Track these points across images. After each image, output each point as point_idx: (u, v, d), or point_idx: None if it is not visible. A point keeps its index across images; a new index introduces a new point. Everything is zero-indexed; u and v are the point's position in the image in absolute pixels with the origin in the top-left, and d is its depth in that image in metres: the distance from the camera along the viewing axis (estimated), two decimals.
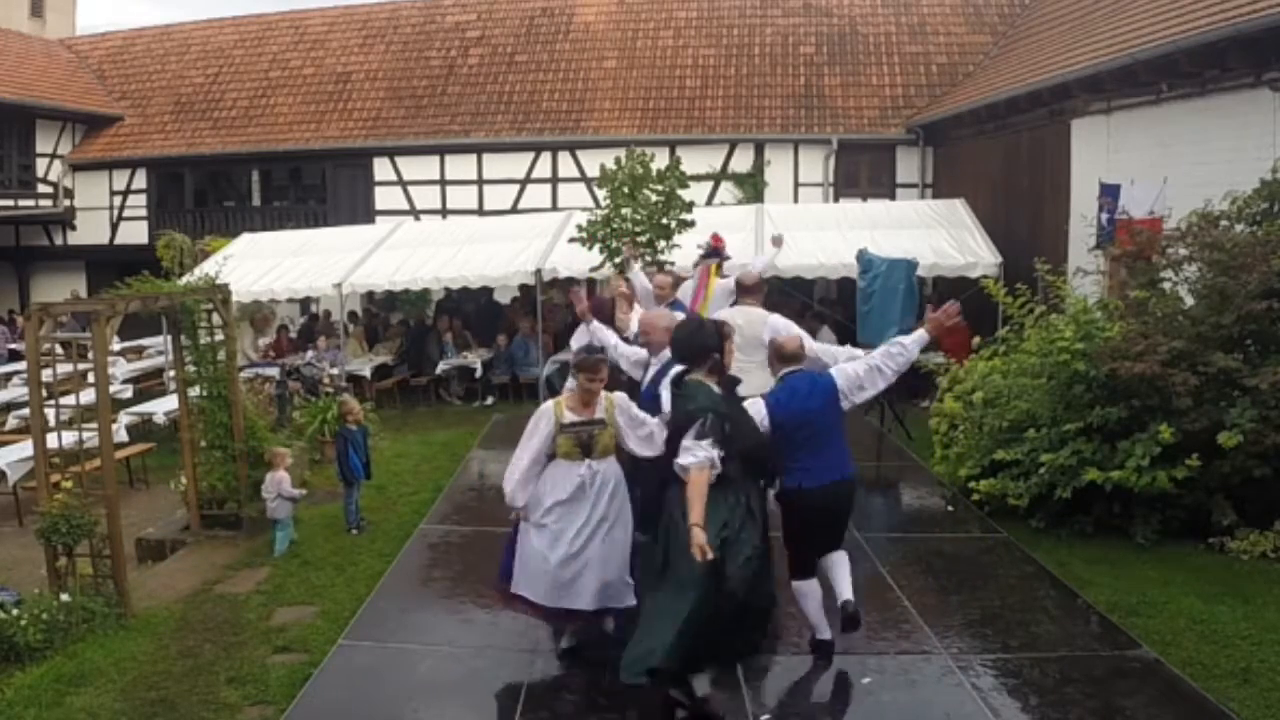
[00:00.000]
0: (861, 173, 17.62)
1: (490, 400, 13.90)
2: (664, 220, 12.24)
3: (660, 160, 13.06)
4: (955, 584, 6.36)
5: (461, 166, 18.19)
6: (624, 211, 12.20)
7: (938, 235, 13.06)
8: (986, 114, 14.04)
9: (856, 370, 5.05)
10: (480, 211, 17.82)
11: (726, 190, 17.37)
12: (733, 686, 4.95)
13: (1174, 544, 6.89)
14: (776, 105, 17.58)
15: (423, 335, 15.15)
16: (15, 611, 5.80)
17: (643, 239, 12.14)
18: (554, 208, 17.18)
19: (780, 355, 5.13)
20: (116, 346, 14.67)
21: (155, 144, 19.48)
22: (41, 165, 19.01)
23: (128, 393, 13.05)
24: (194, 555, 7.55)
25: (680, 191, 12.39)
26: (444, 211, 18.22)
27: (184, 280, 8.64)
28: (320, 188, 19.34)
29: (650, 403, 5.19)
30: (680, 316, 5.84)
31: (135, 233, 19.26)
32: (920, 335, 5.07)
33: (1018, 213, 13.31)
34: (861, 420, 11.11)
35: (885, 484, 9.41)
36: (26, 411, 8.59)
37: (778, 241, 10.04)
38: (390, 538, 7.60)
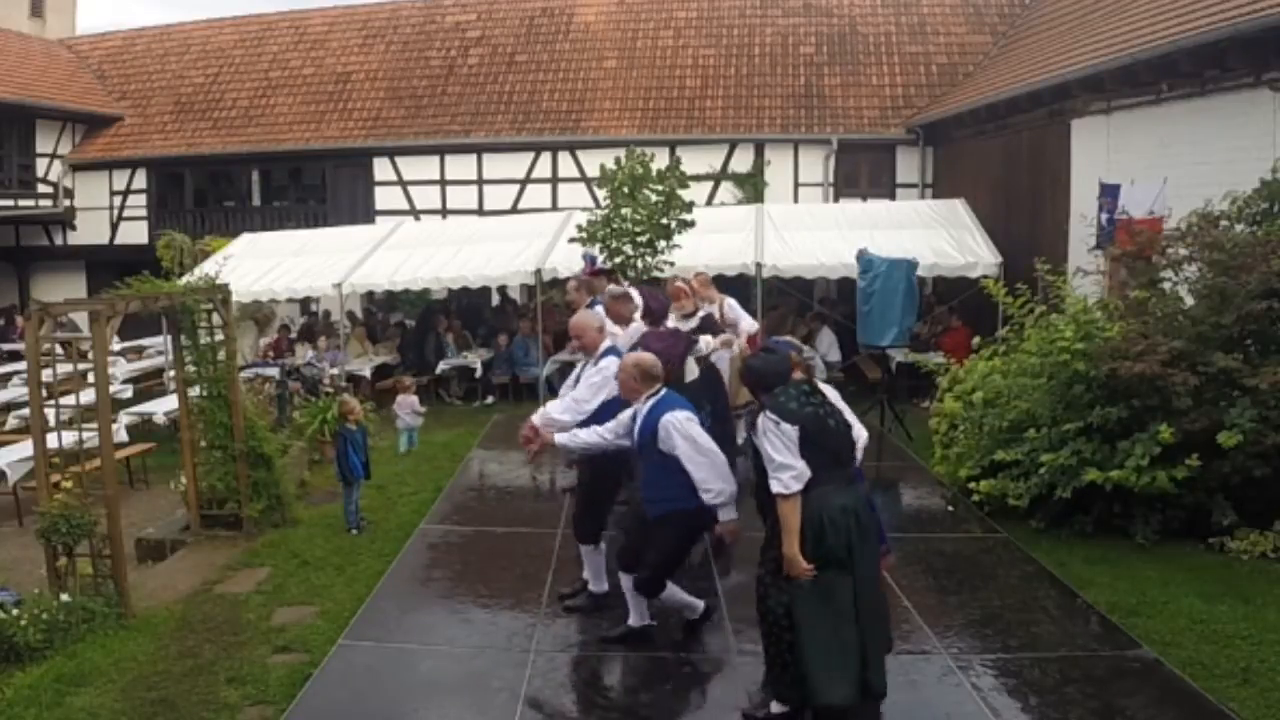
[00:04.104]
0: (861, 173, 17.62)
1: (490, 400, 13.91)
2: (664, 220, 12.24)
3: (660, 160, 13.07)
4: (955, 584, 6.35)
5: (461, 166, 18.19)
6: (624, 211, 12.20)
7: (938, 235, 13.07)
8: (986, 114, 14.04)
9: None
10: (480, 211, 17.83)
11: (726, 190, 17.37)
12: (732, 686, 4.96)
13: (1174, 544, 6.89)
14: (776, 105, 17.58)
15: (423, 335, 15.17)
16: (15, 611, 5.80)
17: (642, 239, 12.15)
18: (554, 208, 17.19)
19: (650, 375, 5.04)
20: (116, 346, 14.67)
21: (155, 144, 19.48)
22: (41, 165, 19.00)
23: (128, 393, 13.05)
24: (194, 555, 7.55)
25: (680, 191, 12.39)
26: (444, 211, 18.23)
27: (184, 280, 8.63)
28: (320, 188, 19.34)
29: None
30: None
31: (135, 233, 19.26)
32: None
33: (1018, 213, 13.31)
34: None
35: (885, 484, 9.40)
36: (26, 411, 8.59)
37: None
38: (390, 538, 7.60)
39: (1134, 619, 5.71)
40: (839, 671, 4.21)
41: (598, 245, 12.22)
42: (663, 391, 5.02)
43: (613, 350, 5.69)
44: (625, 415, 5.14)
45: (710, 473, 4.83)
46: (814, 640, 4.24)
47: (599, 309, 6.64)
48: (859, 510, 4.34)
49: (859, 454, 4.70)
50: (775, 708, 4.50)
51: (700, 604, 5.41)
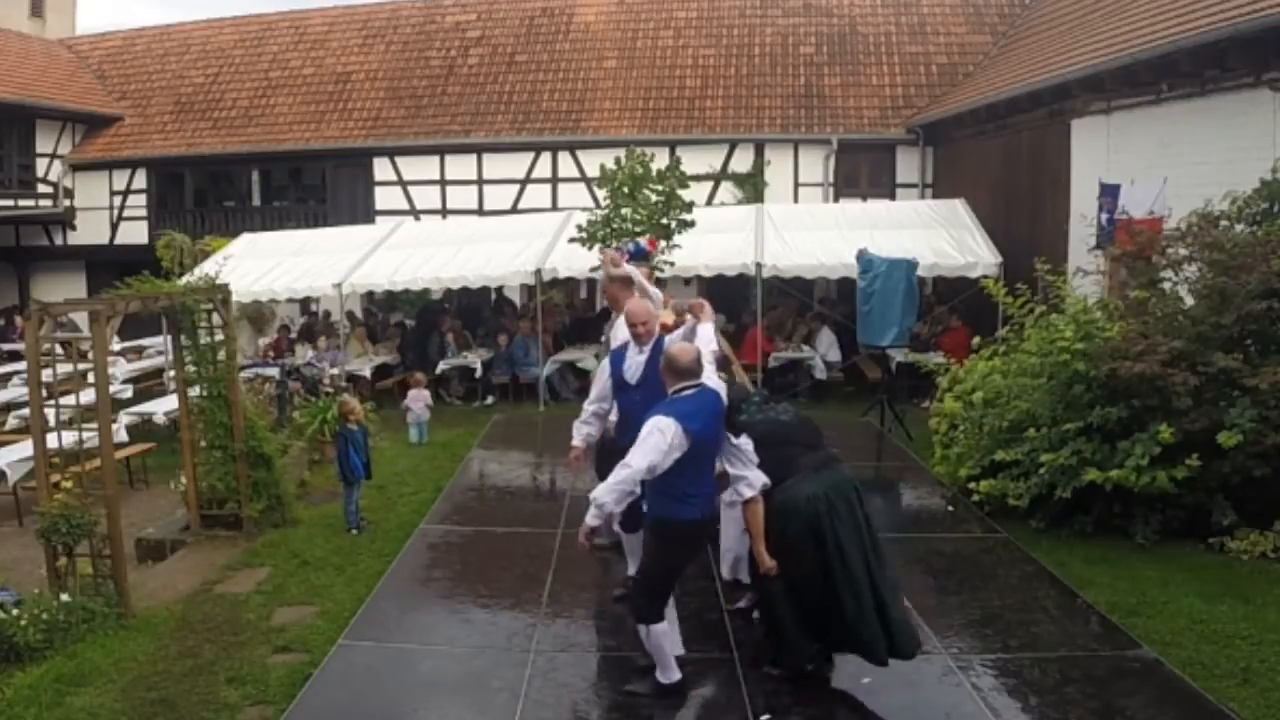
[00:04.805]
0: (861, 173, 17.62)
1: (490, 400, 13.91)
2: (664, 220, 12.24)
3: (660, 160, 13.06)
4: (955, 584, 6.36)
5: (461, 166, 18.19)
6: (624, 211, 12.19)
7: (938, 235, 13.06)
8: (986, 114, 14.04)
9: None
10: (480, 211, 17.82)
11: (726, 190, 17.37)
12: (732, 686, 4.96)
13: (1174, 544, 6.89)
14: (776, 105, 17.58)
15: (425, 335, 15.17)
16: (15, 611, 5.80)
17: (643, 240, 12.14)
18: (554, 208, 17.18)
19: (674, 369, 4.70)
20: (116, 346, 14.67)
21: (155, 144, 19.47)
22: (41, 165, 19.00)
23: (128, 393, 13.04)
24: (194, 555, 7.55)
25: (680, 191, 12.39)
26: (444, 211, 18.22)
27: (184, 280, 8.63)
28: (320, 188, 19.34)
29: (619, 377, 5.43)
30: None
31: (135, 233, 19.26)
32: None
33: (1018, 213, 13.31)
34: (861, 420, 11.13)
35: (885, 484, 9.41)
36: (26, 411, 8.59)
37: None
38: (390, 538, 7.60)
39: (1134, 619, 5.71)
40: (802, 640, 4.86)
41: (597, 245, 12.22)
42: (689, 392, 4.63)
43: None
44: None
45: (617, 476, 4.44)
46: (782, 614, 4.84)
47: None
48: (830, 495, 4.69)
49: None
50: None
51: (677, 674, 4.85)
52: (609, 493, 4.44)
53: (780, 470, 4.74)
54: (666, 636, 4.80)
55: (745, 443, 4.73)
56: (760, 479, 4.67)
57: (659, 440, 4.41)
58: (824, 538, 4.61)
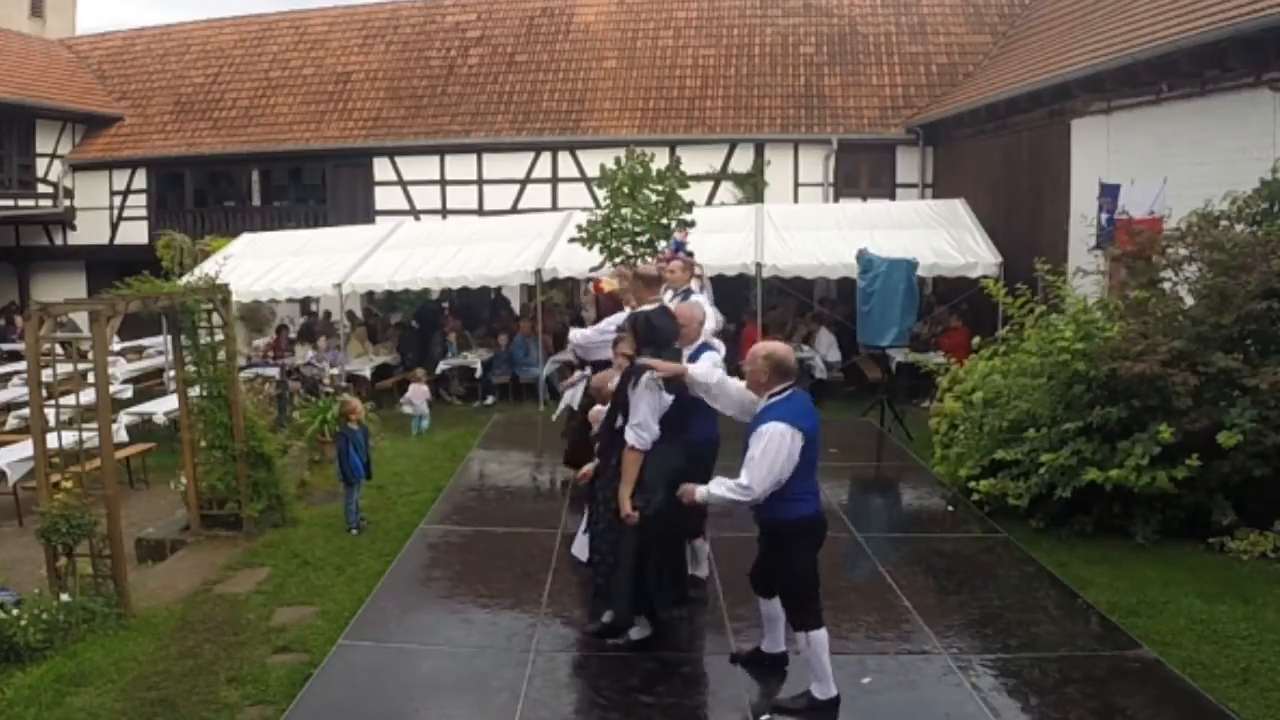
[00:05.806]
0: (861, 173, 17.63)
1: (490, 400, 13.91)
2: (664, 220, 12.24)
3: (660, 160, 13.07)
4: (955, 584, 6.35)
5: (461, 166, 18.20)
6: (624, 211, 12.21)
7: (938, 235, 13.07)
8: (986, 114, 14.05)
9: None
10: (480, 211, 17.83)
11: (726, 190, 17.37)
12: (732, 686, 4.96)
13: (1174, 544, 6.89)
14: (776, 105, 17.59)
15: (428, 335, 15.17)
16: (15, 611, 5.80)
17: (642, 239, 12.15)
18: (554, 208, 17.19)
19: (781, 370, 4.57)
20: (116, 346, 14.67)
21: (155, 144, 19.48)
22: (41, 165, 19.01)
23: (128, 393, 13.05)
24: (194, 555, 7.54)
25: (680, 191, 12.40)
26: (444, 211, 18.23)
27: (184, 280, 8.62)
28: (320, 188, 19.35)
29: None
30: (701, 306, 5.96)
31: (135, 233, 19.27)
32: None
33: (1018, 213, 13.32)
34: (862, 420, 11.13)
35: (885, 484, 9.42)
36: (26, 411, 8.59)
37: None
38: (390, 538, 7.60)
39: (1134, 619, 5.71)
40: (658, 589, 5.12)
41: (597, 245, 12.23)
42: (785, 394, 4.49)
43: (707, 346, 5.49)
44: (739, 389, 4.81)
45: (724, 492, 4.43)
46: (640, 568, 5.05)
47: (697, 298, 6.47)
48: (685, 470, 4.93)
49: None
50: (607, 617, 5.38)
51: (833, 689, 4.60)
52: (721, 499, 4.53)
53: (682, 427, 5.01)
54: (826, 647, 4.57)
55: (667, 399, 4.91)
56: (654, 434, 4.90)
57: (782, 445, 4.30)
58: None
